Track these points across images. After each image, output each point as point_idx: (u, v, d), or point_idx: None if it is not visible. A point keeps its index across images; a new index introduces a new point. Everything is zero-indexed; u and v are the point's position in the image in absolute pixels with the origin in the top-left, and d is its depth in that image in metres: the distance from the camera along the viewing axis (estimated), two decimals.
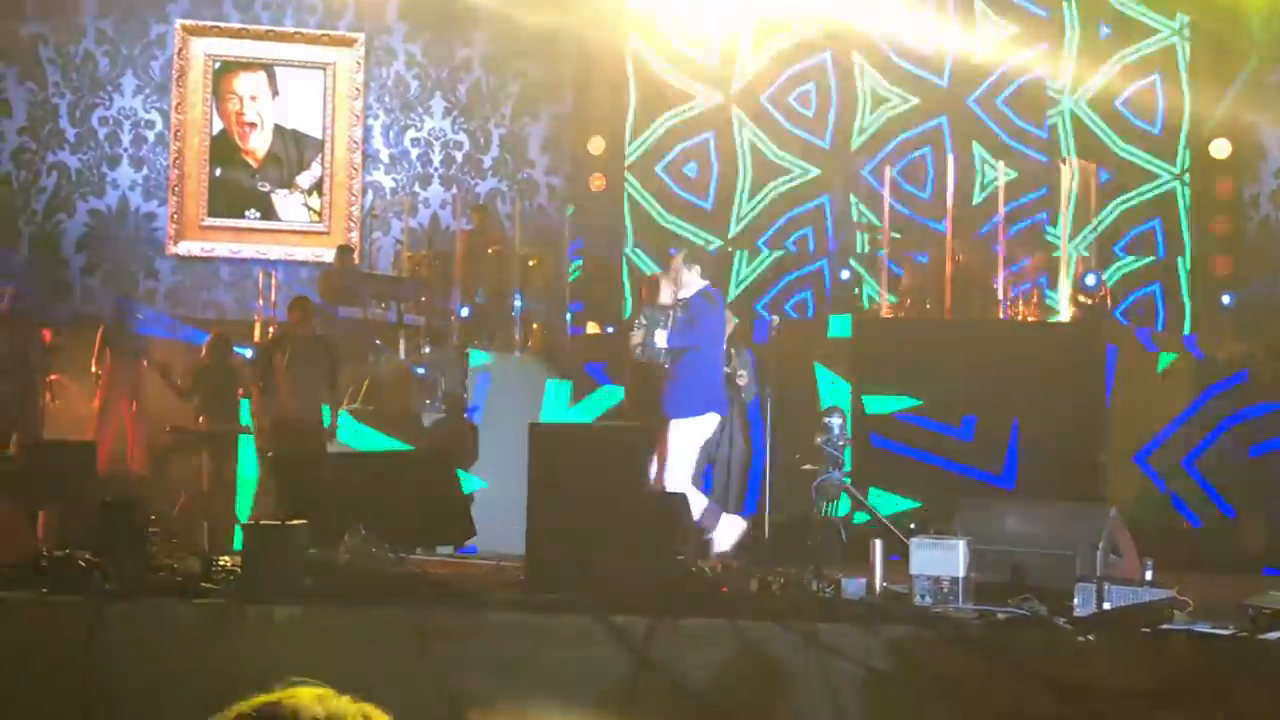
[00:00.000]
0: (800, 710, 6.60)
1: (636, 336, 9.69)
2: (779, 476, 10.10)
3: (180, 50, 15.66)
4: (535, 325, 14.17)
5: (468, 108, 16.05)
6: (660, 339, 9.51)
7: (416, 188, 16.01)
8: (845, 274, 13.38)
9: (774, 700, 6.66)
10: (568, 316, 14.62)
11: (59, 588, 7.27)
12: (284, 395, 11.26)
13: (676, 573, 7.54)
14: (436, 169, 16.04)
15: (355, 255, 15.03)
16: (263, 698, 2.04)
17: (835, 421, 9.13)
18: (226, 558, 8.25)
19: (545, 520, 7.37)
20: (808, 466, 9.93)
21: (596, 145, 15.54)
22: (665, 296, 9.95)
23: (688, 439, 9.40)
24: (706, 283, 9.80)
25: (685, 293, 9.69)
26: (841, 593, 7.27)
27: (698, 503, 9.15)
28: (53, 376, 12.95)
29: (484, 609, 7.16)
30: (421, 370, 13.36)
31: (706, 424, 9.47)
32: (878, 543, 7.50)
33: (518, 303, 14.00)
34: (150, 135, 15.73)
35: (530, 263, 14.48)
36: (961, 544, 7.10)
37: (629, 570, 7.13)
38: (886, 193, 13.58)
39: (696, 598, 7.16)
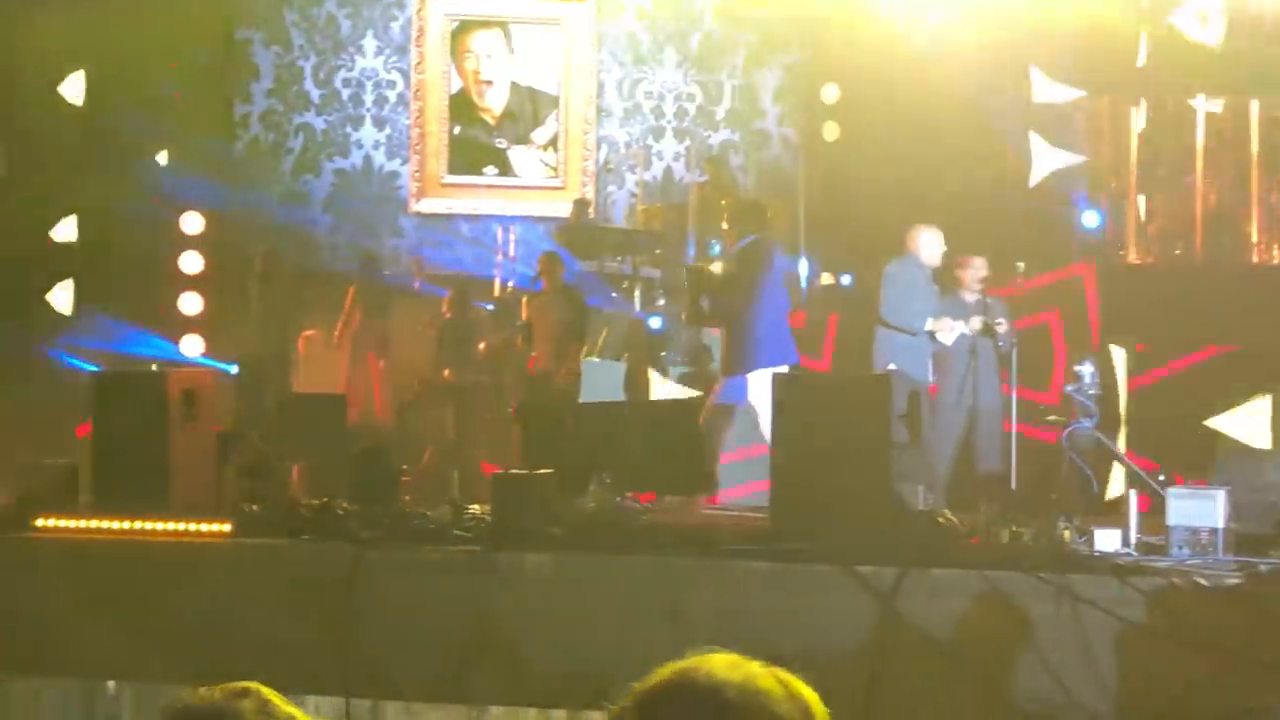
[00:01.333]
0: (1053, 663, 6.49)
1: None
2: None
3: (419, 10, 15.94)
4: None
5: (700, 59, 16.02)
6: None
7: (650, 141, 16.06)
8: (1089, 217, 13.02)
9: (1025, 652, 6.56)
10: (803, 267, 14.51)
11: (319, 535, 7.52)
12: (535, 347, 11.51)
13: (923, 522, 7.48)
14: (669, 122, 16.07)
15: (590, 209, 15.16)
16: (677, 665, 2.07)
17: (1086, 370, 8.92)
18: (476, 506, 8.43)
19: (790, 469, 7.36)
20: (1053, 417, 9.75)
21: (830, 94, 15.38)
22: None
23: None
24: (753, 235, 9.82)
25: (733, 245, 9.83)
26: (1094, 544, 7.11)
27: None
28: (308, 332, 13.38)
29: (730, 557, 7.18)
30: (657, 322, 13.46)
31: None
32: (1132, 493, 7.32)
33: None
34: (391, 95, 16.06)
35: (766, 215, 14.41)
36: (1221, 494, 6.89)
37: (875, 519, 7.08)
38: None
39: (945, 547, 7.09)
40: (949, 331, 9.76)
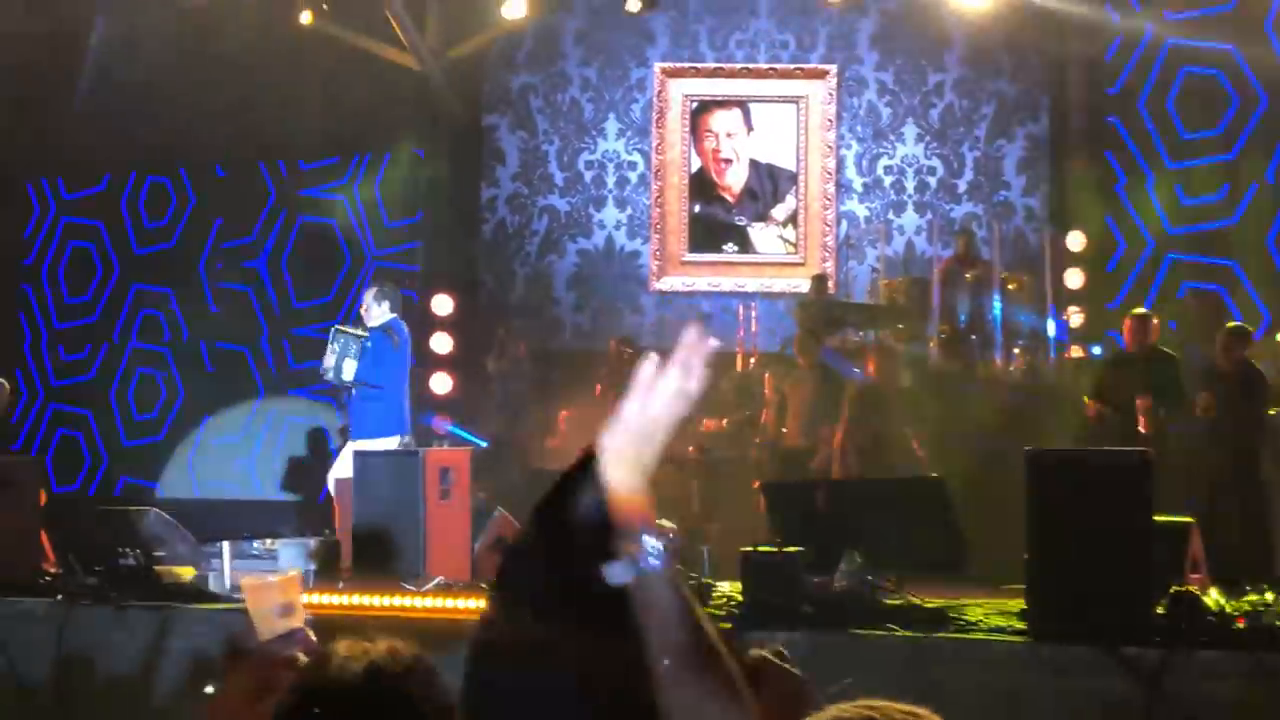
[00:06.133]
0: None
1: (328, 360, 10.39)
2: None
3: (659, 92, 16.18)
4: (1017, 349, 13.88)
5: (941, 132, 15.93)
6: (349, 370, 10.33)
7: (890, 215, 16.00)
8: None
9: None
10: (1051, 339, 14.24)
11: None
12: (787, 424, 11.57)
13: (1185, 602, 7.23)
14: (910, 195, 15.98)
15: (831, 285, 15.12)
16: (851, 705, 2.08)
17: None
18: (724, 584, 8.42)
19: (1044, 546, 7.19)
20: None
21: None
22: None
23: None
24: (394, 316, 10.62)
25: (373, 323, 10.51)
26: None
27: None
28: (565, 411, 13.58)
29: (983, 636, 7.05)
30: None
31: (385, 446, 10.08)
32: None
33: (999, 327, 13.78)
34: (633, 176, 16.31)
35: (1010, 286, 14.21)
36: None
37: (1136, 599, 6.88)
38: None
39: (1210, 628, 6.85)
40: None
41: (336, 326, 10.79)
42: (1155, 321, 11.20)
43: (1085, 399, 11.31)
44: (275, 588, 3.19)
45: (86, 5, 15.60)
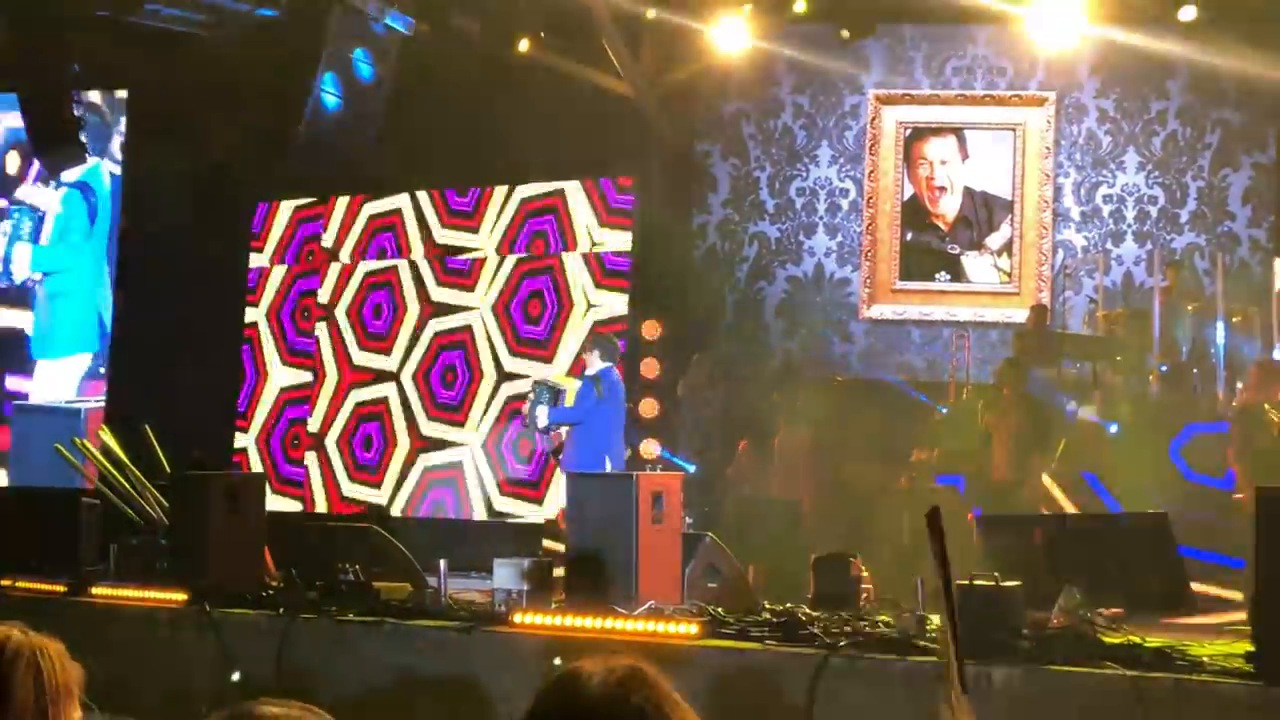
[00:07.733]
0: None
1: (525, 409, 11.42)
2: None
3: (873, 119, 16.09)
4: (1239, 384, 13.50)
5: (1162, 161, 15.56)
6: (542, 417, 11.26)
7: (1109, 245, 15.67)
8: None
9: None
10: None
11: (785, 639, 7.55)
12: (994, 455, 11.40)
13: None
14: (1130, 225, 15.64)
15: (1048, 315, 14.86)
16: None
17: None
18: (939, 616, 8.30)
19: (1274, 585, 6.94)
20: None
21: None
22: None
23: None
24: (607, 365, 11.37)
25: (588, 372, 11.39)
26: None
27: None
28: (744, 443, 13.57)
29: (1208, 678, 6.83)
30: (1114, 428, 13.08)
31: None
32: None
33: (1222, 361, 13.42)
34: (844, 203, 16.23)
35: (1234, 320, 13.84)
36: None
37: None
38: None
39: None
40: None
41: (535, 380, 11.46)
42: None
43: None
44: None
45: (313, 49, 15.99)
